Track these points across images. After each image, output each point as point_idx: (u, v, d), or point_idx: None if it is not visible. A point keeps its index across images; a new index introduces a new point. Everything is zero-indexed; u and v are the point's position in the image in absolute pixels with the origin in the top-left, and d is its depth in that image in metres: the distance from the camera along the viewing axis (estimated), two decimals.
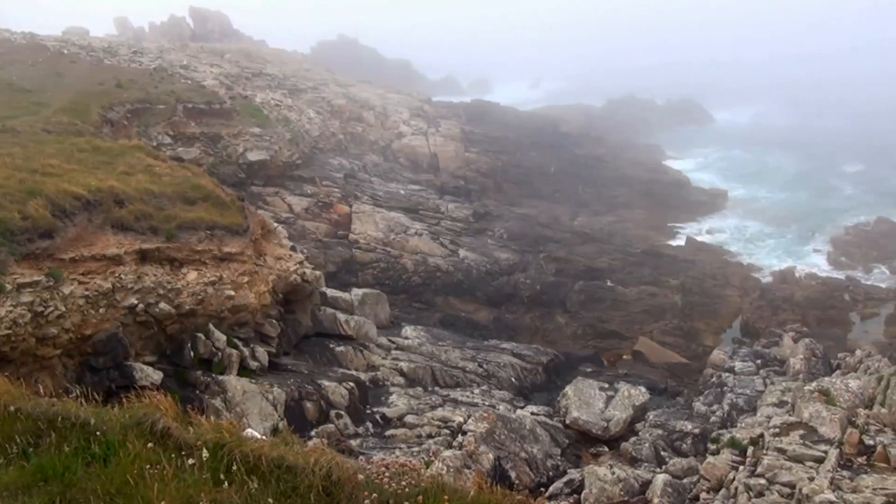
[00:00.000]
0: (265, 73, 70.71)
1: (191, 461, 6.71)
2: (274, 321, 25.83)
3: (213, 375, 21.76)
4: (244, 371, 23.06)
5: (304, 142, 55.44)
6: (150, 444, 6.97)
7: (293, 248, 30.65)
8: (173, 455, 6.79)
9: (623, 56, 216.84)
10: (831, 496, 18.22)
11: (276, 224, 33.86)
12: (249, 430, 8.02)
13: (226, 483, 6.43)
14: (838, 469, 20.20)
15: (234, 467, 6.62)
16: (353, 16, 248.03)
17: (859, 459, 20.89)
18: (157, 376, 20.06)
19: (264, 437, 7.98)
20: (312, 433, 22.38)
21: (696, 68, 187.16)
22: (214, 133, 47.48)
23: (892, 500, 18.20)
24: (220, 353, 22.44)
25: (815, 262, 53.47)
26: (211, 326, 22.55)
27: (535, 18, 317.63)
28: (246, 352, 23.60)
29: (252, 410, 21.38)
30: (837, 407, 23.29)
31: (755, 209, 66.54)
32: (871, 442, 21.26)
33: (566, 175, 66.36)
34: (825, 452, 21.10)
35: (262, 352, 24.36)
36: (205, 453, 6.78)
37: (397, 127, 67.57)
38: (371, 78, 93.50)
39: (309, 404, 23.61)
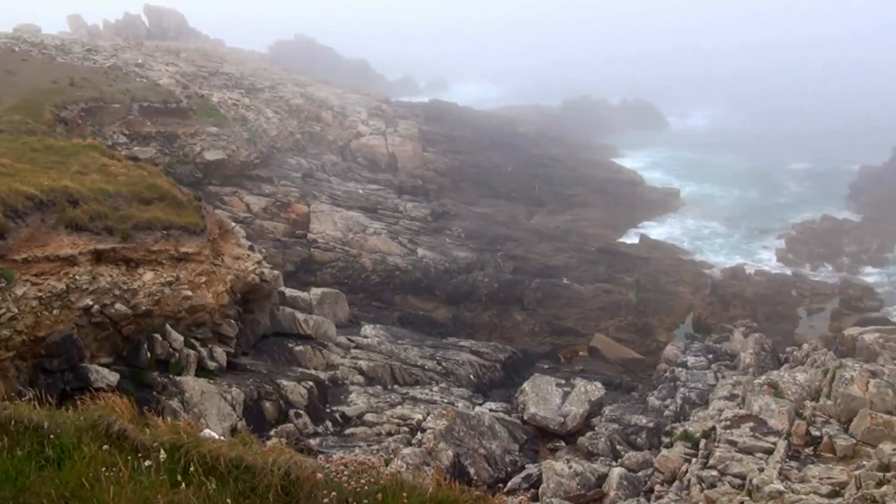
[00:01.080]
0: (222, 73, 69.94)
1: (147, 463, 6.62)
2: (232, 321, 25.69)
3: (171, 376, 21.58)
4: (202, 371, 22.91)
5: (262, 141, 55.08)
6: (105, 447, 6.83)
7: (251, 248, 30.50)
8: (129, 457, 6.69)
9: (579, 48, 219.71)
10: (780, 486, 18.73)
11: (233, 224, 33.68)
12: (207, 431, 7.96)
13: (183, 484, 6.36)
14: (787, 460, 20.84)
15: (192, 468, 6.55)
16: (310, 10, 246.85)
17: (807, 450, 21.56)
18: (112, 378, 19.83)
19: (222, 438, 7.91)
20: (272, 433, 22.34)
21: (649, 59, 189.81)
22: (171, 132, 46.94)
23: (837, 488, 18.77)
24: (177, 354, 22.27)
25: (764, 259, 54.77)
26: (168, 327, 22.37)
27: (490, 13, 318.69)
28: (204, 352, 23.46)
29: (210, 411, 21.26)
30: (785, 399, 24.01)
31: (707, 208, 67.82)
32: (818, 433, 21.97)
33: (523, 174, 66.83)
34: (774, 444, 21.73)
35: (220, 352, 24.23)
36: (162, 455, 6.69)
37: (355, 126, 67.31)
38: (329, 77, 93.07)
39: (268, 404, 23.56)
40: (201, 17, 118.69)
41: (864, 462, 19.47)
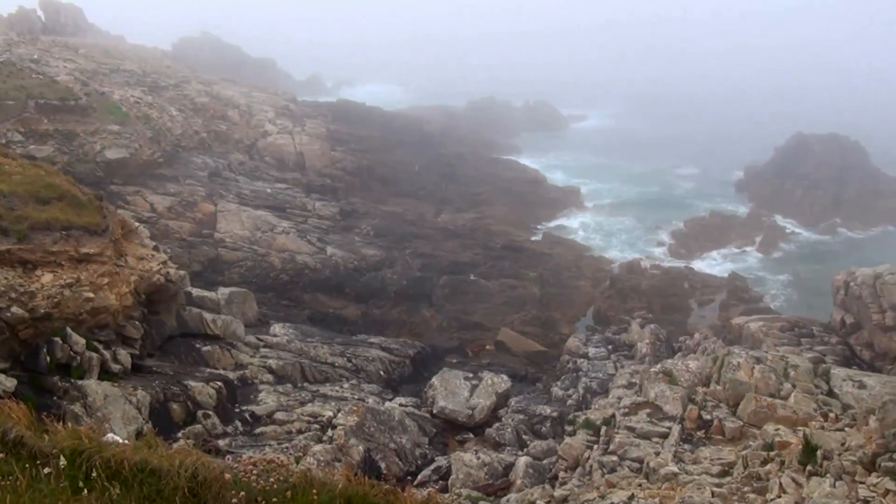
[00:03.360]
0: (123, 70, 67.53)
1: (47, 470, 6.38)
2: (137, 322, 25.20)
3: (72, 380, 21.10)
4: (105, 375, 22.43)
5: (166, 140, 53.74)
6: (1, 455, 6.56)
7: (156, 248, 29.88)
8: (28, 465, 6.42)
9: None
10: (674, 468, 19.65)
11: (137, 223, 32.87)
12: (111, 435, 7.84)
13: (85, 491, 6.19)
14: (681, 443, 21.88)
15: (94, 474, 6.35)
16: (215, 6, 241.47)
17: (699, 433, 22.69)
18: (9, 384, 19.23)
19: (126, 442, 7.84)
20: (179, 435, 22.12)
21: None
22: (69, 130, 45.45)
23: (726, 468, 19.84)
24: (78, 357, 21.77)
25: (659, 254, 57.46)
26: (68, 330, 21.81)
27: (397, 18, 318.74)
28: (107, 355, 22.97)
29: (115, 415, 20.89)
30: (679, 386, 25.25)
31: (605, 205, 70.17)
32: (709, 417, 23.17)
33: (430, 173, 67.42)
34: (669, 428, 22.80)
35: (124, 354, 23.76)
36: (62, 461, 6.46)
37: (262, 126, 66.29)
38: (235, 76, 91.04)
39: (175, 406, 23.29)
40: (100, 13, 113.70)
41: (751, 442, 20.64)
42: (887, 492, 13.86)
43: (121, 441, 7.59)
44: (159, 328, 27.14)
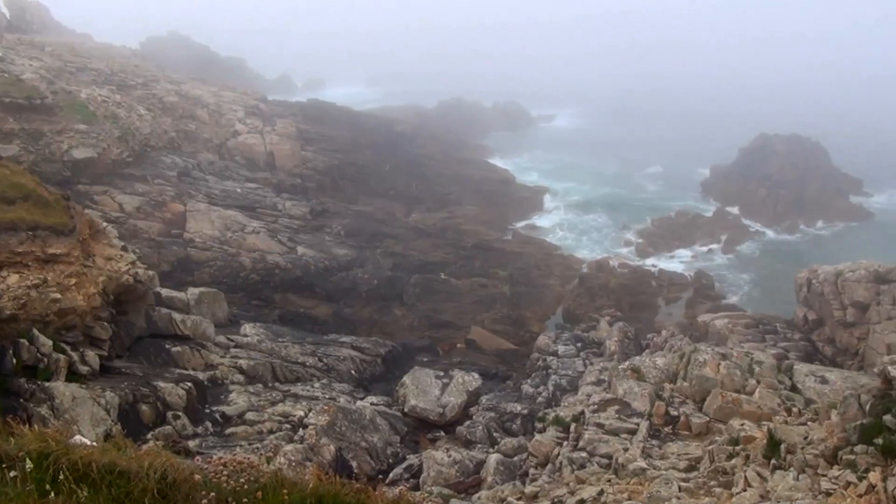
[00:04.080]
0: (91, 68, 66.45)
1: (13, 473, 6.24)
2: (105, 323, 25.03)
3: (39, 382, 20.91)
4: (73, 376, 22.26)
5: (135, 139, 53.10)
6: None
7: (124, 248, 29.70)
8: None
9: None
10: (643, 464, 19.91)
11: (105, 224, 32.61)
12: (78, 437, 7.79)
13: (52, 493, 6.08)
14: (649, 439, 22.17)
15: (62, 477, 6.23)
16: (184, 7, 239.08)
17: (666, 429, 23.04)
18: None
19: (94, 444, 7.82)
20: (149, 436, 22.02)
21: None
22: (35, 129, 44.84)
23: (693, 463, 20.17)
24: (45, 359, 21.58)
25: (627, 253, 58.12)
26: (35, 331, 21.64)
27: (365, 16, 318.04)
28: (75, 356, 22.80)
29: (83, 416, 20.75)
30: (647, 383, 25.60)
31: (574, 205, 70.73)
32: (676, 412, 23.52)
33: (401, 173, 67.31)
34: (637, 424, 23.08)
35: (92, 355, 23.59)
36: (28, 464, 6.33)
37: (232, 125, 65.73)
38: (204, 75, 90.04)
39: (144, 407, 23.16)
40: (67, 11, 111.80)
41: (717, 437, 20.99)
42: (848, 484, 14.11)
43: (89, 443, 7.52)
44: (128, 329, 26.95)
